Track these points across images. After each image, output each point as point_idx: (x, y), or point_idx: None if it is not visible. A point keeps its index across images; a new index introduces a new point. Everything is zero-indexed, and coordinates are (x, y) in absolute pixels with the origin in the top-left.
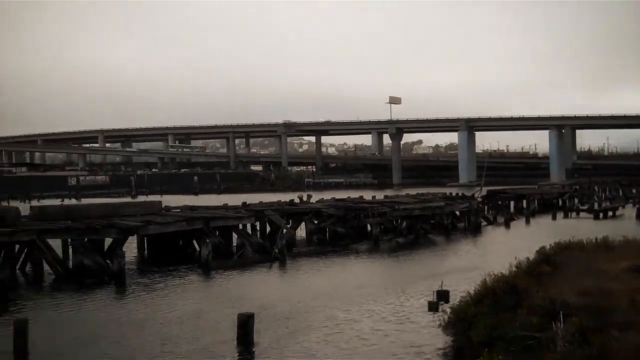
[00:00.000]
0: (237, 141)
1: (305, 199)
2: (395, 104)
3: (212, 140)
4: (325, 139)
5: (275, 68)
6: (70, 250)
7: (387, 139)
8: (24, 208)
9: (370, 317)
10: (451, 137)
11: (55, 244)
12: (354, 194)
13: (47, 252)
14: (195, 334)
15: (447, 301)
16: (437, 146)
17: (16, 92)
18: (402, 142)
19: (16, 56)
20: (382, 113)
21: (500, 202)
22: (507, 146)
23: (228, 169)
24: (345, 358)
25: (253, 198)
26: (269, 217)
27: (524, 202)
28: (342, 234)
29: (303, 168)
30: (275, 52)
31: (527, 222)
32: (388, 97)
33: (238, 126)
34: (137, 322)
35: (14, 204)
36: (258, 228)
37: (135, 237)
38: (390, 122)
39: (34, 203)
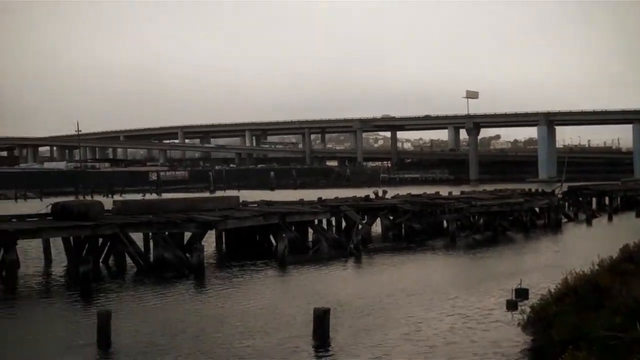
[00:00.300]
0: (312, 137)
1: (380, 194)
2: (473, 98)
3: (287, 136)
4: (400, 134)
5: (351, 63)
6: (152, 244)
7: (463, 134)
8: (107, 202)
9: (448, 315)
10: (530, 132)
11: (137, 237)
12: (430, 190)
13: (129, 245)
14: (272, 328)
15: (526, 299)
16: (515, 141)
17: (101, 90)
18: (480, 137)
19: (101, 56)
20: (459, 108)
21: (581, 199)
22: (589, 141)
23: (304, 164)
24: (424, 357)
25: (328, 193)
26: (345, 212)
27: (607, 198)
28: (418, 230)
29: (378, 163)
30: (351, 47)
31: (610, 219)
32: (465, 91)
33: (314, 122)
34: (215, 315)
35: (97, 198)
36: (333, 223)
37: (213, 231)
38: (467, 116)
39: (117, 198)
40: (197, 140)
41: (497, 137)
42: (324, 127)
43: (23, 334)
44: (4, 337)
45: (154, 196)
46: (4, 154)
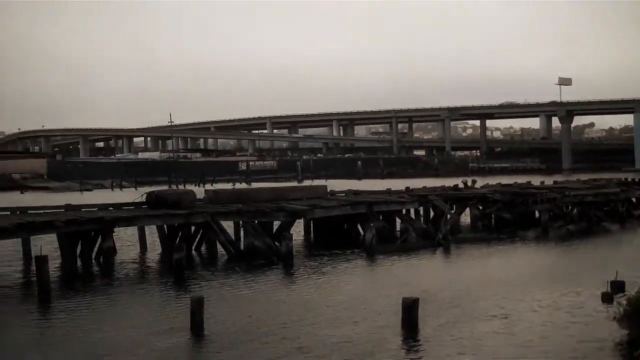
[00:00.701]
0: (399, 126)
1: (469, 184)
2: (565, 85)
3: (374, 125)
4: (490, 123)
5: (439, 51)
6: (242, 232)
7: (555, 122)
8: (198, 192)
9: (541, 307)
10: (626, 119)
11: (228, 225)
12: (520, 179)
13: (220, 233)
14: (360, 317)
15: (622, 292)
16: (610, 129)
17: (193, 83)
18: (573, 125)
19: (191, 49)
20: (551, 95)
21: None
22: None
23: (391, 153)
24: (518, 351)
25: (416, 183)
26: (433, 202)
27: None
28: (508, 221)
29: (467, 153)
30: (439, 35)
31: None
32: (557, 78)
33: (401, 111)
34: (303, 303)
35: (189, 187)
36: (421, 213)
37: (302, 220)
38: (559, 104)
39: (208, 187)
40: (285, 131)
41: (591, 124)
42: (411, 116)
43: (120, 318)
44: (101, 321)
45: (243, 185)
46: (101, 144)
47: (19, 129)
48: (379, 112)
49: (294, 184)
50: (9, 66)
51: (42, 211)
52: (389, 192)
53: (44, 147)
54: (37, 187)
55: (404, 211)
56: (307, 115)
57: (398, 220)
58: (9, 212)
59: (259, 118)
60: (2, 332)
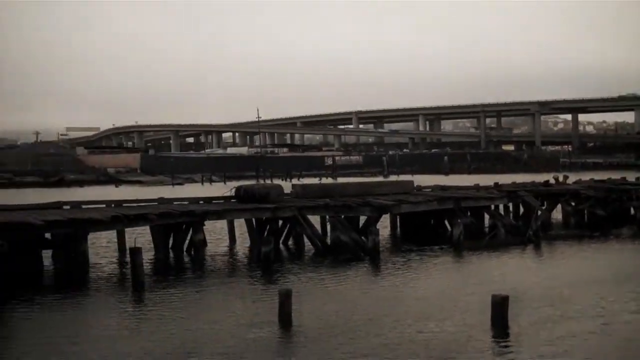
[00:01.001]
0: (487, 120)
1: (561, 179)
2: None
3: (462, 120)
4: (582, 117)
5: (526, 44)
6: (328, 227)
7: None
8: (285, 186)
9: (638, 307)
10: None
11: (315, 220)
12: (614, 175)
13: (307, 227)
14: (447, 314)
15: None
16: None
17: (279, 78)
18: None
19: (283, 42)
20: None
21: None
22: None
23: (478, 148)
24: (616, 353)
25: (505, 178)
26: (523, 198)
27: None
28: (601, 218)
29: (558, 148)
30: (532, 27)
31: None
32: None
33: (489, 105)
34: (390, 298)
35: (276, 182)
36: (511, 209)
37: (388, 215)
38: None
39: (295, 181)
40: (371, 125)
41: None
42: (499, 111)
43: (209, 309)
44: (192, 313)
45: (329, 180)
46: (191, 140)
47: (114, 125)
48: (467, 106)
49: (380, 179)
50: (108, 64)
51: (136, 204)
52: (476, 187)
53: (137, 142)
54: (131, 181)
55: (492, 207)
56: (393, 110)
57: (487, 217)
58: (104, 205)
59: (345, 113)
60: (98, 322)
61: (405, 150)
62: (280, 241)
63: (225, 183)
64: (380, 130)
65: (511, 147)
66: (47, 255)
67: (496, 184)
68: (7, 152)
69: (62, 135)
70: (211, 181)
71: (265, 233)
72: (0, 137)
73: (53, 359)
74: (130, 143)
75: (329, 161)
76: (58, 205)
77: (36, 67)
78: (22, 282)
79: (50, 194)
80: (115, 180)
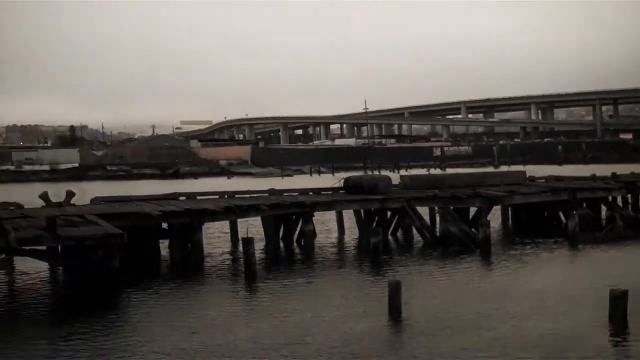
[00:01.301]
0: (604, 108)
1: None
2: None
3: (576, 108)
4: None
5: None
6: (437, 218)
7: None
8: (393, 177)
9: None
10: None
11: (423, 211)
12: None
13: (416, 219)
14: (562, 309)
15: None
16: None
17: (386, 69)
18: None
19: (388, 34)
20: None
21: None
22: None
23: (594, 137)
24: None
25: (623, 168)
26: None
27: None
28: None
29: None
30: None
31: None
32: None
33: (604, 92)
34: (501, 292)
35: (384, 173)
36: (629, 201)
37: (499, 206)
38: None
39: (403, 172)
40: (480, 115)
41: None
42: (616, 98)
43: (318, 299)
44: (301, 302)
45: (438, 171)
46: (300, 132)
47: (225, 118)
48: (580, 93)
49: (490, 169)
50: (219, 60)
51: (247, 195)
52: (593, 178)
53: (248, 135)
54: (242, 173)
55: (610, 198)
56: (503, 99)
57: (603, 209)
58: (218, 196)
59: (454, 103)
60: (212, 310)
61: (516, 139)
62: (389, 232)
63: (333, 174)
64: (490, 119)
65: (629, 136)
66: (163, 245)
67: (614, 174)
68: (125, 145)
69: (176, 128)
70: (319, 172)
71: (374, 224)
72: (119, 131)
73: (169, 346)
74: (241, 136)
75: (438, 152)
76: (174, 197)
77: (152, 63)
78: (141, 271)
79: (166, 185)
80: (227, 172)
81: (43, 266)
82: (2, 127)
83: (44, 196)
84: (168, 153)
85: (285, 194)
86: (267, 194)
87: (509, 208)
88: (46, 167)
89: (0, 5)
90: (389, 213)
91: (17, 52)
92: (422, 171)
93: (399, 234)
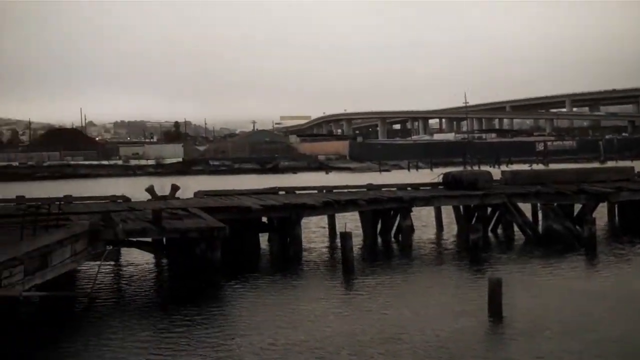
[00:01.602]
0: None
1: None
2: None
3: None
4: None
5: None
6: (540, 215)
7: None
8: (494, 173)
9: None
10: None
11: (525, 207)
12: None
13: (518, 215)
14: None
15: None
16: None
17: (486, 62)
18: None
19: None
20: None
21: None
22: None
23: None
24: None
25: None
26: None
27: None
28: None
29: None
30: None
31: None
32: None
33: None
34: (607, 293)
35: (484, 168)
36: None
37: (605, 204)
38: None
39: (503, 168)
40: (585, 109)
41: None
42: None
43: (415, 296)
44: (397, 299)
45: (541, 166)
46: (398, 127)
47: (324, 113)
48: None
49: (596, 165)
50: (318, 57)
51: (345, 190)
52: None
53: (346, 130)
54: (340, 168)
55: None
56: (609, 92)
57: None
58: (316, 191)
59: (558, 96)
60: (310, 304)
61: (624, 134)
62: (489, 229)
63: (432, 169)
64: (596, 113)
65: None
66: (263, 238)
67: None
68: (227, 140)
69: (276, 124)
70: (417, 167)
71: (474, 220)
72: (221, 127)
73: (268, 340)
74: (339, 131)
75: (540, 147)
76: (274, 191)
77: (252, 62)
78: (241, 264)
79: (266, 180)
80: (325, 167)
81: (148, 257)
82: (110, 123)
83: (150, 190)
84: (268, 148)
85: (383, 189)
86: (365, 189)
87: (616, 205)
88: (152, 162)
89: (119, 11)
90: (489, 209)
91: (127, 53)
92: (524, 166)
93: (499, 230)
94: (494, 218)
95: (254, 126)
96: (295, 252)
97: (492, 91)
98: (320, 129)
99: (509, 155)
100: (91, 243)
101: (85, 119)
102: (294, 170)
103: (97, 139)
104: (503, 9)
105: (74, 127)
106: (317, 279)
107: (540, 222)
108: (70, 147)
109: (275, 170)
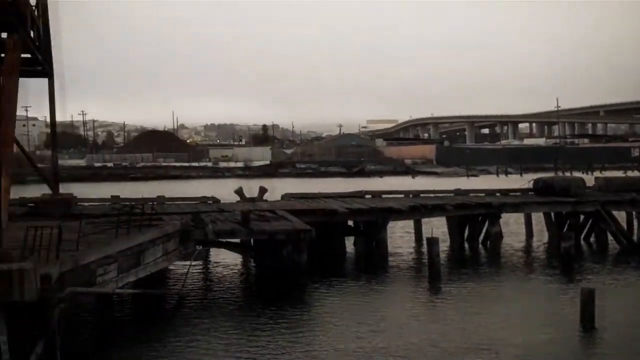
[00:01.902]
0: None
1: None
2: None
3: None
4: None
5: None
6: (635, 223)
7: None
8: (587, 179)
9: None
10: None
11: (619, 215)
12: None
13: (612, 223)
14: None
15: None
16: None
17: (579, 66)
18: None
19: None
20: None
21: None
22: None
23: None
24: None
25: None
26: None
27: None
28: None
29: None
30: None
31: None
32: None
33: None
34: None
35: (576, 174)
36: None
37: None
38: None
39: (597, 174)
40: None
41: None
42: None
43: (503, 304)
44: (484, 307)
45: (636, 173)
46: (486, 131)
47: (410, 117)
48: None
49: None
50: (403, 62)
51: (432, 195)
52: None
53: (432, 134)
54: (426, 172)
55: None
56: None
57: None
58: (403, 195)
59: None
60: (395, 309)
61: None
62: (582, 237)
63: (521, 175)
64: None
65: None
66: (348, 242)
67: None
68: (314, 144)
69: (362, 127)
70: (506, 173)
71: (565, 228)
72: (308, 130)
73: (352, 345)
74: (425, 135)
75: (636, 152)
76: (360, 195)
77: (340, 65)
78: (327, 267)
79: (352, 183)
80: (411, 171)
81: (236, 258)
82: (200, 125)
83: (239, 191)
84: (354, 152)
85: (471, 194)
86: (452, 194)
87: None
88: (240, 164)
89: (213, 16)
90: (581, 217)
91: (216, 57)
92: (619, 173)
93: (592, 239)
94: (587, 226)
95: (340, 129)
96: (380, 257)
97: (585, 95)
98: (406, 132)
99: (603, 162)
100: (182, 243)
101: (177, 122)
102: (380, 174)
103: (188, 141)
104: (602, 9)
105: (166, 129)
106: (402, 284)
107: (635, 231)
108: (162, 149)
109: (362, 173)
